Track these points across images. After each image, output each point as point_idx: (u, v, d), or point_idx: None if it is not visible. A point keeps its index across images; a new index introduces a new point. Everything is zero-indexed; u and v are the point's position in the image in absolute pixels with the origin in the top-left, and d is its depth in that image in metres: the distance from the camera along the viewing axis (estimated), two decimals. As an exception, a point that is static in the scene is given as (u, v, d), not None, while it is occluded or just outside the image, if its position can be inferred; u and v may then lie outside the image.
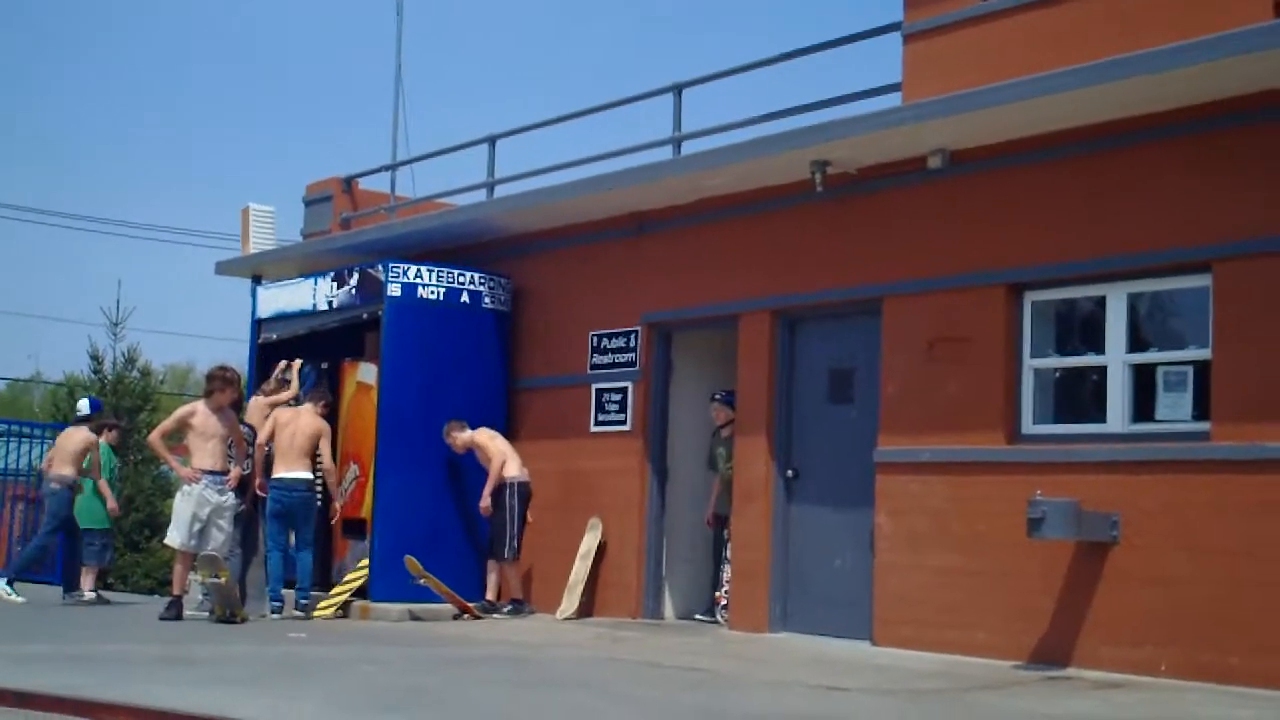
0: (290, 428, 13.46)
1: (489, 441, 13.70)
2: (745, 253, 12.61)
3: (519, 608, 13.56)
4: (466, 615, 13.18)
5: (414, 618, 13.09)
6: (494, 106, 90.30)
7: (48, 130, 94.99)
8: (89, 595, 15.39)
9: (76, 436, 15.42)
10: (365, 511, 13.95)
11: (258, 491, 13.65)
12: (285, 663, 9.74)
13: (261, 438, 13.57)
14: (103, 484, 15.59)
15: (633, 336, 13.61)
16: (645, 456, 13.40)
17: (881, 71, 12.10)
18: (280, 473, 13.38)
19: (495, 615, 13.40)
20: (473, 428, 13.87)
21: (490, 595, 13.55)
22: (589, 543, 13.52)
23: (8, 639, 10.81)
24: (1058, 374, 10.69)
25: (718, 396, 13.17)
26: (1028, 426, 10.52)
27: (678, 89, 13.76)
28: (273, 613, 13.24)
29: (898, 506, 11.04)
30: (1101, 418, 10.14)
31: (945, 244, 11.04)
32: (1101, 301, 10.28)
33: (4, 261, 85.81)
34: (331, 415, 14.54)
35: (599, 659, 10.37)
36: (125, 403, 22.38)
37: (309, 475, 13.50)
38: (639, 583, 13.29)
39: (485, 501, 13.44)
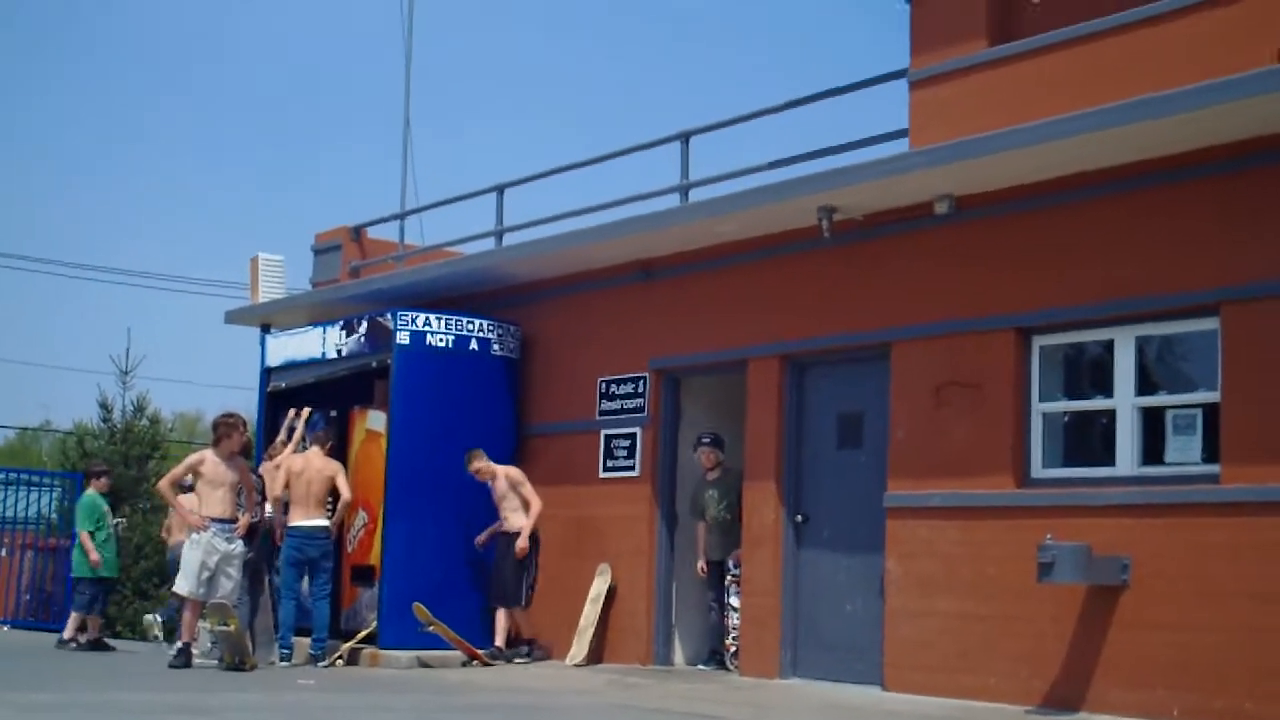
0: (304, 476, 13.51)
1: (525, 480, 13.67)
2: (753, 298, 12.65)
3: (532, 649, 13.56)
4: (475, 662, 13.14)
5: (423, 665, 13.09)
6: (502, 152, 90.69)
7: (56, 179, 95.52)
8: (76, 641, 15.47)
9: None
10: (374, 558, 13.94)
11: (276, 542, 13.71)
12: (295, 711, 9.70)
13: (276, 490, 13.57)
14: (83, 535, 15.64)
15: (641, 382, 13.63)
16: (654, 502, 13.39)
17: (889, 117, 12.15)
18: (299, 521, 13.44)
19: (513, 661, 13.35)
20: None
21: (499, 642, 13.49)
22: (599, 588, 13.49)
23: (15, 687, 10.78)
24: (1066, 417, 10.69)
25: (705, 440, 13.17)
26: (1037, 470, 10.52)
27: (685, 136, 13.83)
28: (282, 660, 13.22)
29: (907, 551, 11.02)
30: (1111, 461, 10.13)
31: (953, 289, 11.07)
32: (1110, 345, 10.29)
33: (14, 311, 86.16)
34: (341, 462, 14.59)
35: (609, 705, 10.33)
36: (135, 450, 22.46)
37: (327, 523, 13.56)
38: (649, 628, 13.25)
39: (524, 542, 13.39)
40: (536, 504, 13.46)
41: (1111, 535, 9.71)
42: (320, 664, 13.15)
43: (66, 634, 15.65)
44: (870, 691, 11.00)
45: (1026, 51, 10.81)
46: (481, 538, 13.55)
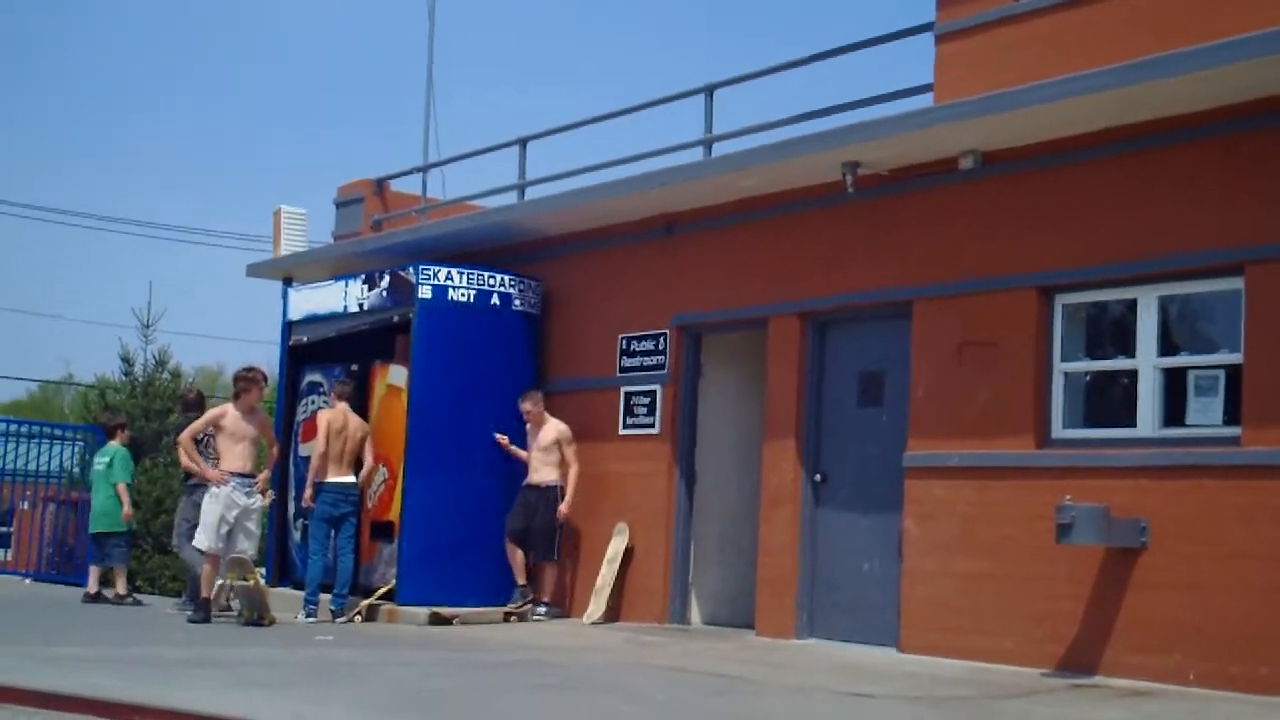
0: (344, 433, 13.56)
1: (573, 441, 13.63)
2: (775, 255, 12.55)
3: (555, 609, 13.60)
4: (513, 618, 13.29)
5: (440, 621, 13.04)
6: (526, 105, 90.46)
7: (80, 131, 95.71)
8: (115, 595, 15.50)
9: None
10: (394, 514, 13.95)
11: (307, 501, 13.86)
12: (313, 666, 9.75)
13: (320, 446, 13.55)
14: (121, 488, 15.61)
15: (662, 339, 13.57)
16: (673, 460, 13.34)
17: (913, 72, 12.07)
18: (334, 478, 13.47)
19: (535, 615, 13.42)
20: (501, 430, 13.89)
21: (546, 596, 13.58)
22: (616, 547, 13.48)
23: (35, 640, 10.87)
24: (1088, 377, 10.60)
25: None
26: (1057, 431, 10.43)
27: (709, 90, 13.71)
28: (308, 616, 13.22)
29: (926, 511, 10.96)
30: (1132, 422, 10.04)
31: (976, 246, 10.96)
32: (1133, 305, 10.17)
33: (36, 264, 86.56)
34: (362, 417, 14.61)
35: (625, 664, 10.34)
36: (156, 404, 22.50)
37: (355, 479, 13.66)
38: (666, 587, 13.23)
39: (567, 508, 13.49)
40: (576, 467, 13.51)
41: (1131, 497, 9.63)
42: (339, 619, 13.19)
43: (92, 588, 15.67)
44: (886, 652, 10.97)
45: (1054, 6, 10.67)
46: (567, 509, 13.50)
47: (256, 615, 12.57)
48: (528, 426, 13.84)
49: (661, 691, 8.79)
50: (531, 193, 15.37)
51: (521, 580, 13.55)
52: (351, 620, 13.27)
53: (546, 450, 13.58)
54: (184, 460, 13.74)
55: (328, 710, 7.59)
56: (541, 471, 13.59)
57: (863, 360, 11.98)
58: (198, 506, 13.22)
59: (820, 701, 8.51)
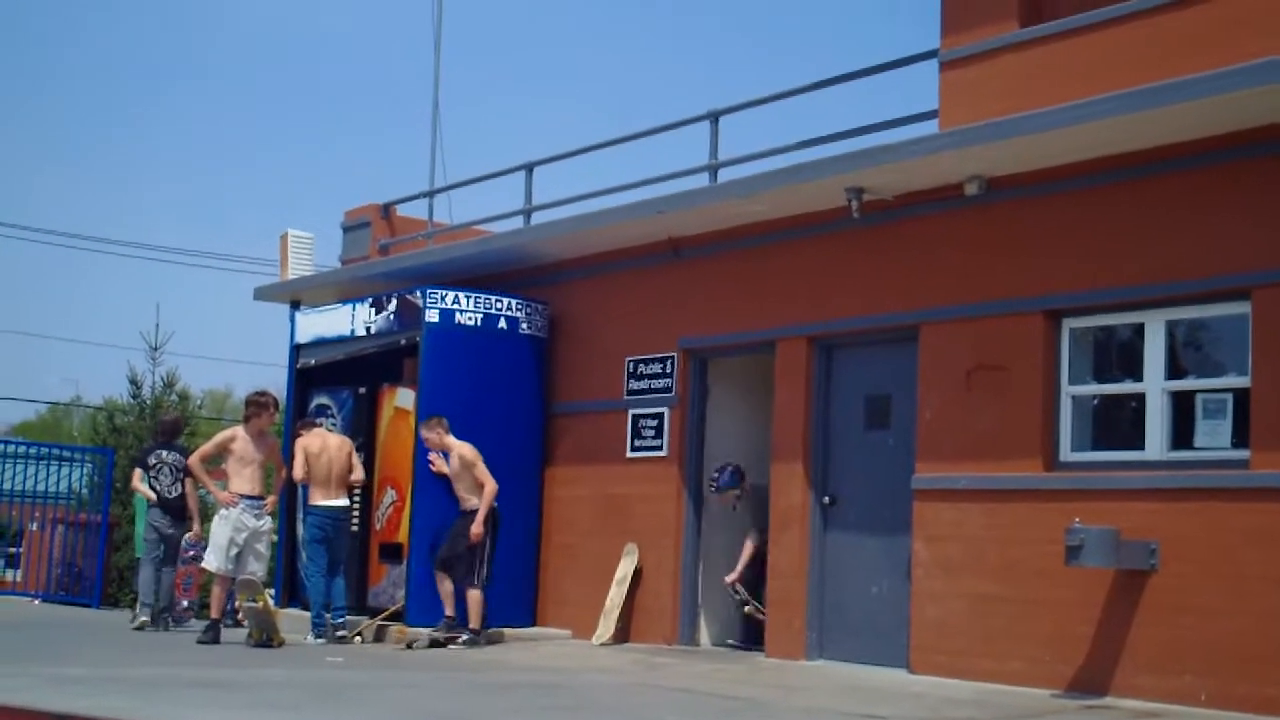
0: (324, 456, 13.54)
1: (479, 460, 13.12)
2: (782, 279, 12.62)
3: (476, 638, 12.95)
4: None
5: (435, 644, 12.91)
6: (531, 128, 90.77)
7: (89, 155, 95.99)
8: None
9: None
10: (402, 536, 13.99)
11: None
12: (324, 687, 9.77)
13: (298, 473, 13.54)
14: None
15: (669, 362, 13.63)
16: (682, 482, 13.39)
17: (918, 99, 12.17)
18: (320, 500, 13.48)
19: (457, 642, 12.89)
20: (509, 453, 13.88)
21: (474, 624, 12.96)
22: (625, 568, 13.51)
23: (46, 661, 10.89)
24: (1096, 401, 10.65)
25: (718, 481, 13.15)
26: (1066, 454, 10.47)
27: (714, 116, 13.80)
28: (317, 638, 13.22)
29: (935, 533, 11.01)
30: (1140, 445, 10.08)
31: (983, 270, 11.03)
32: (1140, 329, 10.23)
33: (44, 287, 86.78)
34: (369, 440, 14.68)
35: (635, 685, 10.38)
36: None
37: (347, 503, 13.66)
38: (675, 609, 13.26)
39: (479, 528, 12.90)
40: (491, 486, 12.92)
41: (1140, 519, 9.66)
42: (320, 640, 13.14)
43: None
44: (896, 674, 10.99)
45: (1058, 33, 10.73)
46: (479, 529, 12.91)
47: (266, 636, 12.62)
48: (430, 455, 13.58)
49: (672, 713, 8.82)
50: (538, 217, 15.45)
51: (449, 611, 13.10)
52: (350, 640, 13.25)
53: (459, 478, 13.15)
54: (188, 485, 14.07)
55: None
56: (468, 499, 13.13)
57: (870, 383, 12.03)
58: (154, 528, 14.52)
59: (831, 723, 8.54)
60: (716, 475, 13.13)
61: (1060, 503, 10.07)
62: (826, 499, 12.09)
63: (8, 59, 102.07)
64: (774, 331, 12.59)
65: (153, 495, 14.73)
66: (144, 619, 14.66)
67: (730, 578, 13.03)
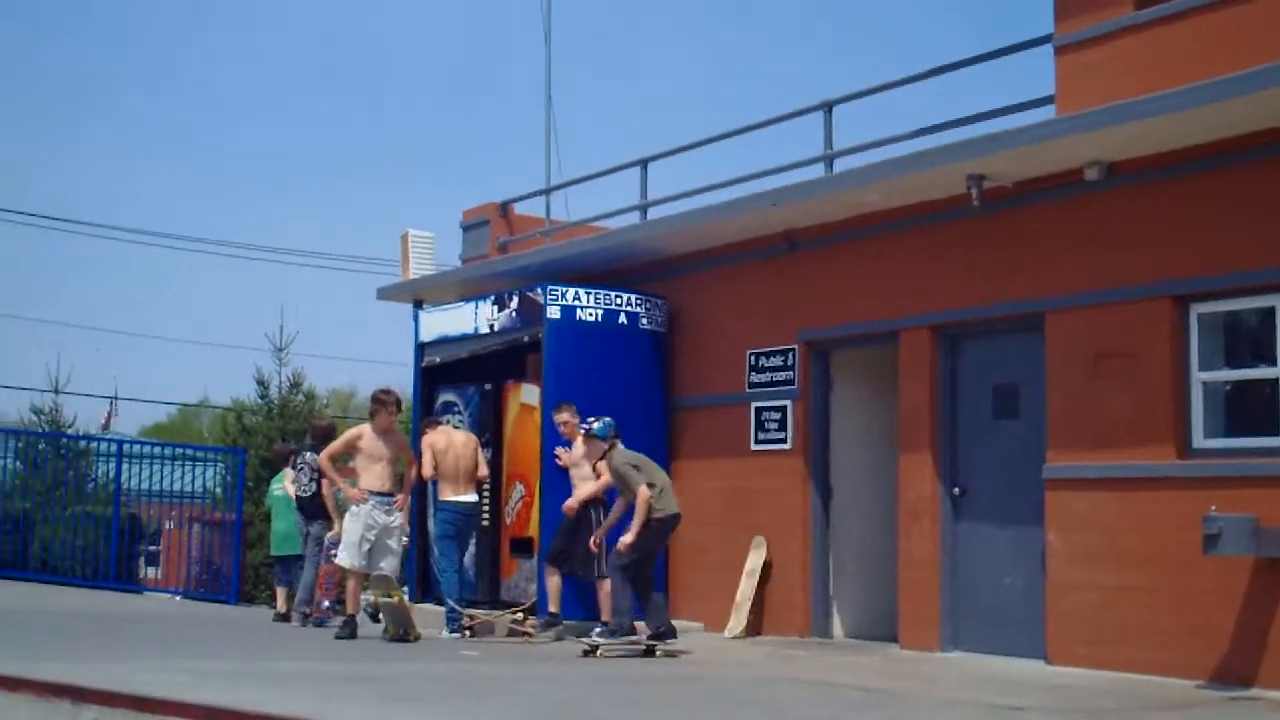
0: (450, 453, 13.76)
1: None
2: (903, 269, 12.61)
3: (610, 631, 12.48)
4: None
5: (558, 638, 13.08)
6: (646, 123, 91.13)
7: (218, 162, 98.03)
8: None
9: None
10: (532, 530, 14.19)
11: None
12: (462, 680, 9.88)
13: (426, 470, 13.77)
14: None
15: (790, 355, 13.68)
16: (807, 474, 13.44)
17: (1035, 84, 12.05)
18: (450, 496, 13.70)
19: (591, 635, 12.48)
20: (632, 447, 13.78)
21: (605, 616, 12.66)
22: (754, 561, 13.59)
23: (189, 655, 11.16)
24: (1228, 387, 10.53)
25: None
26: (1199, 441, 10.37)
27: (828, 106, 13.81)
28: (452, 632, 13.43)
29: (1068, 523, 10.96)
30: (1275, 431, 9.96)
31: (1106, 257, 10.95)
32: (1270, 312, 10.10)
33: (174, 291, 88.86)
34: (496, 436, 14.88)
35: (770, 678, 10.44)
36: (291, 425, 22.95)
37: (476, 498, 13.86)
38: (806, 601, 13.34)
39: (572, 503, 13.05)
40: (606, 479, 12.77)
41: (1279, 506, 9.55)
42: (453, 633, 13.37)
43: (281, 607, 16.13)
44: (1033, 665, 10.97)
45: (1177, 13, 10.61)
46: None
47: (402, 631, 12.82)
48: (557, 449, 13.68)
49: (807, 705, 8.88)
50: (654, 212, 15.56)
51: (553, 607, 13.24)
52: (468, 632, 13.42)
53: (577, 465, 13.27)
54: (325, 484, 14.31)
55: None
56: (581, 488, 13.22)
57: (997, 373, 11.99)
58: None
59: (970, 715, 8.53)
60: (592, 421, 12.53)
61: (1195, 490, 9.99)
62: (956, 490, 12.07)
63: (134, 62, 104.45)
64: (896, 322, 12.59)
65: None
66: (303, 611, 15.23)
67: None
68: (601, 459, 12.42)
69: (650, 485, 11.97)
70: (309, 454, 15.33)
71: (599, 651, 11.78)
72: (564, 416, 13.49)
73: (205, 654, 11.41)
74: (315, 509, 15.36)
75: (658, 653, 11.83)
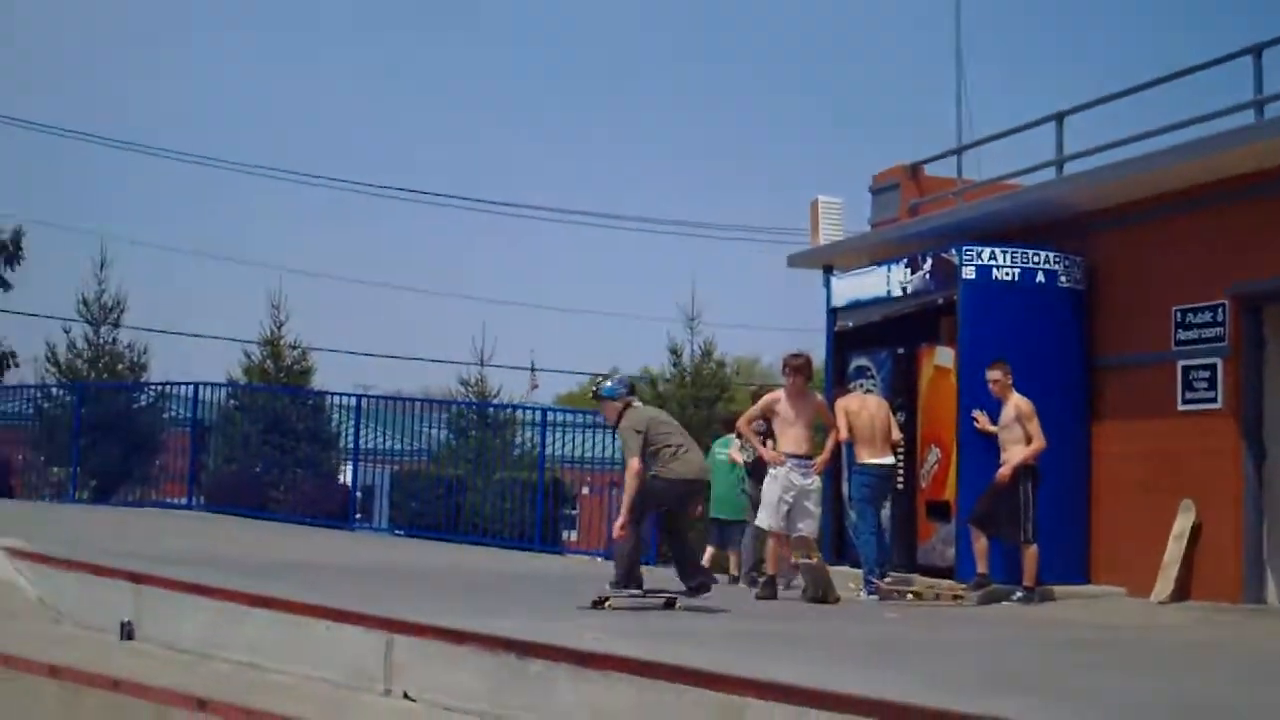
0: (864, 414, 13.82)
1: (1034, 415, 13.00)
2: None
3: (1030, 595, 12.95)
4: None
5: (994, 600, 13.01)
6: (1060, 81, 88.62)
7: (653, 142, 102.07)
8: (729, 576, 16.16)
9: None
10: (949, 494, 14.12)
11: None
12: (885, 643, 9.90)
13: (841, 433, 13.87)
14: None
15: (1219, 310, 13.11)
16: (1239, 435, 12.86)
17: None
18: (867, 459, 13.77)
19: (1010, 598, 12.89)
20: (1052, 408, 13.54)
21: (1028, 580, 12.96)
22: (1183, 524, 13.12)
23: (618, 615, 11.54)
24: None
25: None
26: None
27: (1258, 50, 13.13)
28: (870, 594, 13.48)
29: None
30: None
31: None
32: None
33: (588, 265, 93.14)
34: (909, 399, 14.86)
35: (1193, 643, 10.09)
36: (704, 393, 23.52)
37: (893, 460, 13.88)
38: (1237, 565, 12.78)
39: (1006, 471, 12.91)
40: (1039, 443, 12.80)
41: None
42: (871, 595, 13.38)
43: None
44: None
45: None
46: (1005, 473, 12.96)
47: (821, 593, 12.98)
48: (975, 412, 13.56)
49: (1235, 673, 8.52)
50: (1070, 168, 15.15)
51: (982, 568, 13.17)
52: (888, 597, 13.43)
53: (1007, 428, 13.11)
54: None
55: (907, 681, 7.69)
56: (1011, 451, 13.09)
57: None
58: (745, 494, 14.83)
59: None
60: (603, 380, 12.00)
61: None
62: None
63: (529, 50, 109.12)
64: (1339, 274, 11.88)
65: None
66: (752, 576, 15.23)
67: None
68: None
69: (666, 447, 11.21)
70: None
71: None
72: (995, 375, 13.35)
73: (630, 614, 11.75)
74: (762, 473, 15.67)
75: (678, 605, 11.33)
